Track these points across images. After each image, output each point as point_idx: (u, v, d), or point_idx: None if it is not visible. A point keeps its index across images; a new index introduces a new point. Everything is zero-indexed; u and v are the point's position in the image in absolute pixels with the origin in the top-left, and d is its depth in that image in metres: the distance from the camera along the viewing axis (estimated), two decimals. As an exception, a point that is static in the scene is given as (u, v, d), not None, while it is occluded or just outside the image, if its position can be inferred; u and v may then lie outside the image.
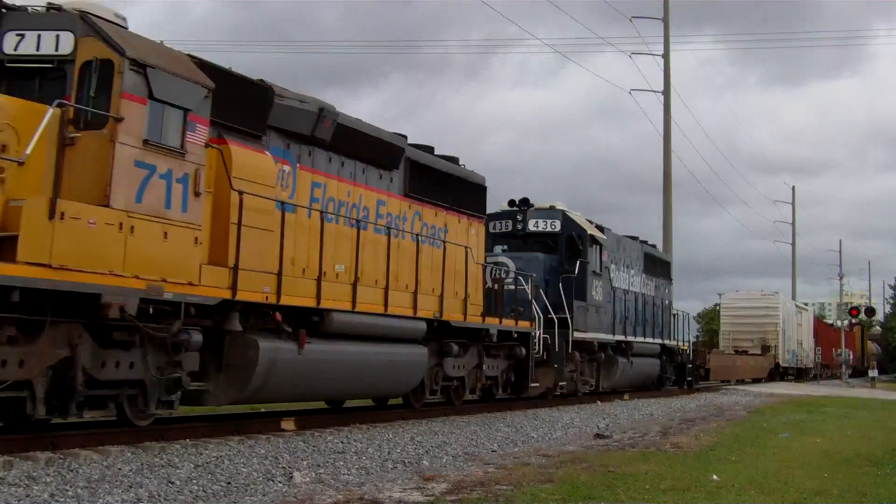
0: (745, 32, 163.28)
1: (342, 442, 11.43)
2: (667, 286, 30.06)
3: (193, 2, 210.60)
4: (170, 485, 7.96)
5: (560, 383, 20.11)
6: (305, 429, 12.49)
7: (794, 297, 61.70)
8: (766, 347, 45.28)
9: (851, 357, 62.05)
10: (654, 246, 29.89)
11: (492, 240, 20.79)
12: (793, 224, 73.64)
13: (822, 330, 61.03)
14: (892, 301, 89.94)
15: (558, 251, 21.51)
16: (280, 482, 8.54)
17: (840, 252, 79.55)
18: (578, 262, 21.08)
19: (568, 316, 20.19)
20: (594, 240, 21.98)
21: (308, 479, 8.74)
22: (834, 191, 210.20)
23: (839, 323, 61.61)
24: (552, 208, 22.04)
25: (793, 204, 74.24)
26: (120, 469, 8.45)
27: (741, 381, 40.20)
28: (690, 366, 31.21)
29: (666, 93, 38.51)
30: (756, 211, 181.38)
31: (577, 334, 20.71)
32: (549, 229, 21.67)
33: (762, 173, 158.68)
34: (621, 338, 24.38)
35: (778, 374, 46.25)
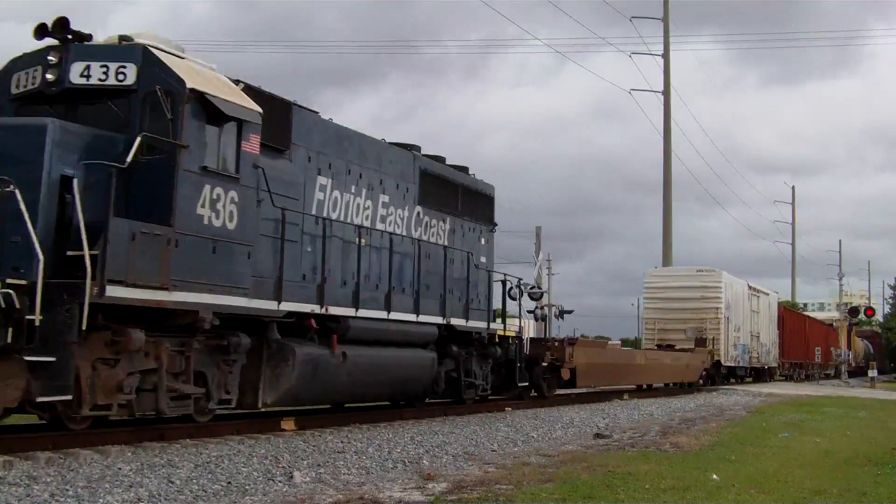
0: (745, 32, 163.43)
1: (342, 441, 11.45)
2: (480, 234, 18.10)
3: (193, 2, 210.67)
4: (170, 484, 7.97)
5: (59, 398, 9.20)
6: (305, 428, 12.51)
7: (793, 297, 61.36)
8: (702, 340, 31.80)
9: (850, 356, 58.00)
10: (463, 169, 17.81)
11: (16, 107, 11.06)
12: (792, 224, 74.05)
13: (792, 321, 47.21)
14: (891, 301, 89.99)
15: (132, 124, 10.56)
16: (280, 482, 8.55)
17: (840, 252, 79.85)
18: (137, 140, 10.10)
19: (85, 252, 9.17)
20: (213, 107, 10.76)
21: (308, 479, 8.75)
22: (833, 191, 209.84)
23: (835, 324, 59.78)
24: (125, 42, 10.96)
25: (792, 204, 74.70)
26: (120, 469, 8.47)
27: (678, 385, 29.66)
28: (544, 364, 20.47)
29: (666, 93, 38.66)
30: (756, 211, 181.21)
31: (126, 291, 9.59)
32: (112, 82, 10.62)
33: (762, 173, 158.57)
34: (310, 308, 12.76)
35: (719, 376, 33.84)
